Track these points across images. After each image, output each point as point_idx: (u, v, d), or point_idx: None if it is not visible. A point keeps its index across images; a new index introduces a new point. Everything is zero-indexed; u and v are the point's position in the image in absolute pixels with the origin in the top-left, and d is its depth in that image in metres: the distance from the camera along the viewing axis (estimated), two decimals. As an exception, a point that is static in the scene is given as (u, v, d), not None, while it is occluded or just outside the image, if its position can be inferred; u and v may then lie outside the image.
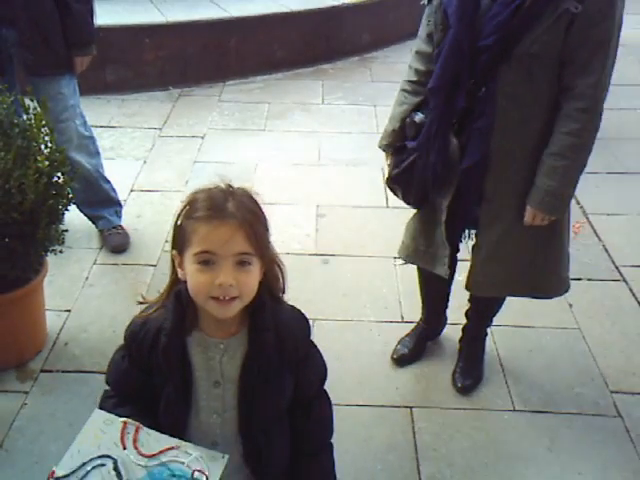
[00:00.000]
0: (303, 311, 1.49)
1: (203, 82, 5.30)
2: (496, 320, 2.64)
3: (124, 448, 1.28)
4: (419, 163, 2.11)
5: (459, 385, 2.53)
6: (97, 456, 1.27)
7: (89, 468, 1.25)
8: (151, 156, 4.21)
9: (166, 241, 3.35)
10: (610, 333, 2.84)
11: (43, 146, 2.34)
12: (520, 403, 2.48)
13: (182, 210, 1.30)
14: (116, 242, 3.26)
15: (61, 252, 2.49)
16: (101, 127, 4.40)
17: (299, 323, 1.42)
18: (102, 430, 1.31)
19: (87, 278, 3.07)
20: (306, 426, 1.46)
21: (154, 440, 1.29)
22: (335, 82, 5.39)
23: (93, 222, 3.33)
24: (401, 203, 2.38)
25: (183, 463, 1.26)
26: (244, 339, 1.32)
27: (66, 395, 2.45)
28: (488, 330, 2.65)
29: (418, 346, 2.68)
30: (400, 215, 2.49)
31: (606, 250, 3.38)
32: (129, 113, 4.78)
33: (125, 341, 1.43)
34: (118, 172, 3.66)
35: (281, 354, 1.34)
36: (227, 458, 1.30)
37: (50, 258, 2.54)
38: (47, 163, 2.28)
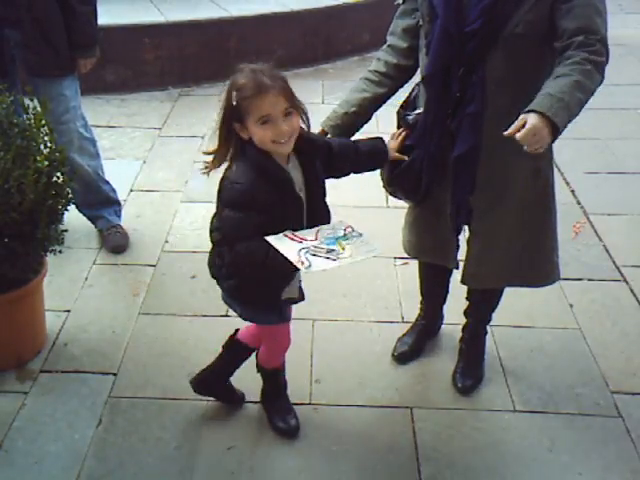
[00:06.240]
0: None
1: (203, 82, 5.30)
2: (496, 320, 2.64)
3: (301, 242, 1.80)
4: (419, 156, 2.11)
5: (459, 385, 2.52)
6: (298, 250, 1.77)
7: (303, 255, 1.76)
8: (151, 156, 4.21)
9: (166, 241, 3.35)
10: (611, 333, 2.83)
11: (42, 146, 2.33)
12: (520, 403, 2.48)
13: (230, 94, 1.79)
14: (115, 242, 3.26)
15: (60, 252, 2.48)
16: (101, 127, 4.40)
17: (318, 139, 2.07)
18: (281, 241, 1.79)
19: (87, 278, 3.07)
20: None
21: (306, 233, 1.84)
22: (335, 82, 5.38)
23: (92, 222, 3.33)
24: (401, 203, 2.38)
25: (331, 232, 1.86)
26: (295, 162, 1.92)
27: (65, 395, 2.45)
28: (488, 329, 2.65)
29: (418, 343, 2.69)
30: (400, 215, 2.49)
31: (607, 250, 3.37)
32: (129, 113, 4.79)
33: (240, 201, 1.83)
34: (118, 172, 3.66)
35: (316, 161, 1.98)
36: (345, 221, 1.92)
37: (49, 258, 2.53)
38: (46, 163, 2.28)
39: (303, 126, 1.90)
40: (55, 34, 2.82)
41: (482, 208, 2.16)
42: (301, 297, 2.14)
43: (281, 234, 1.80)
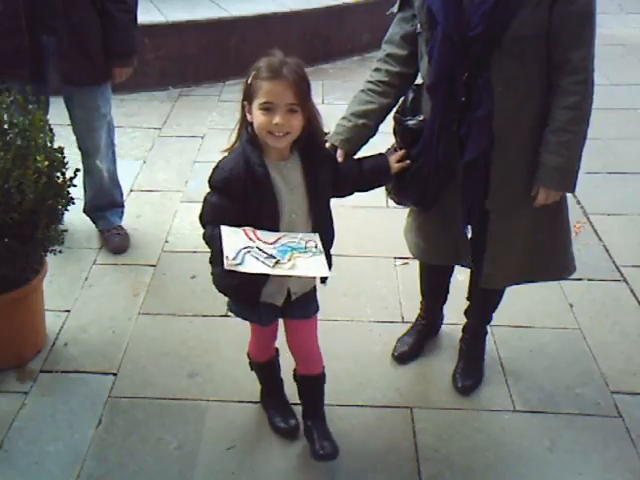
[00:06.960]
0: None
1: (203, 82, 5.30)
2: (496, 320, 2.64)
3: (253, 241, 1.78)
4: (426, 164, 2.10)
5: (459, 385, 2.52)
6: (242, 247, 1.75)
7: (242, 252, 1.74)
8: (151, 156, 4.21)
9: (166, 241, 3.35)
10: (611, 333, 2.83)
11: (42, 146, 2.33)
12: (520, 403, 2.48)
13: (251, 73, 1.82)
14: (116, 243, 3.25)
15: (61, 252, 2.49)
16: (101, 127, 4.40)
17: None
18: (234, 234, 1.78)
19: (87, 278, 3.07)
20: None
21: (268, 235, 1.81)
22: (335, 82, 5.38)
23: (94, 222, 3.33)
24: (401, 204, 2.38)
25: (294, 240, 1.82)
26: (296, 161, 1.91)
27: (65, 395, 2.45)
28: (488, 329, 2.65)
29: (418, 343, 2.68)
30: (400, 215, 2.49)
31: (607, 250, 3.37)
32: (129, 113, 4.78)
33: (217, 185, 1.88)
34: (118, 172, 3.65)
35: (322, 165, 1.95)
36: (317, 235, 1.89)
37: (50, 258, 2.54)
38: (46, 163, 2.27)
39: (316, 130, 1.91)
40: (92, 43, 2.80)
41: (499, 210, 2.15)
42: (291, 312, 2.12)
43: (240, 228, 1.80)
